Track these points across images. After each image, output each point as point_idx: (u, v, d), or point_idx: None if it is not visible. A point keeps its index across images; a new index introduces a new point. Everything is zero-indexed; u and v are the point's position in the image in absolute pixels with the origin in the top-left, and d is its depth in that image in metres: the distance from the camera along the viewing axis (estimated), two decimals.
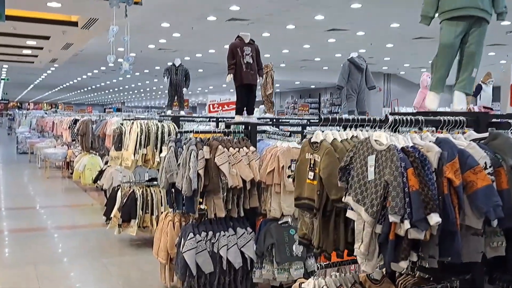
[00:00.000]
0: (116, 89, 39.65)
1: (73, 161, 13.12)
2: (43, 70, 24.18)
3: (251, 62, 4.83)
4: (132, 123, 6.17)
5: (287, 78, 22.55)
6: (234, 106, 6.92)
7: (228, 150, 4.17)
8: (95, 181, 9.00)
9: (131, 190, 6.20)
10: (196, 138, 4.31)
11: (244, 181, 4.14)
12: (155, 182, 6.49)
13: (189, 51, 17.19)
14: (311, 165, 2.58)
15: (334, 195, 2.40)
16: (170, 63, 7.03)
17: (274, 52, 17.24)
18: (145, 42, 15.38)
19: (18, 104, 52.51)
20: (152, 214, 6.14)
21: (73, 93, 45.36)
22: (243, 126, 4.70)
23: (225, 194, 4.14)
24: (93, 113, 21.39)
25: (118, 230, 6.28)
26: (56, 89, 39.59)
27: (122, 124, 6.47)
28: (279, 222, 4.22)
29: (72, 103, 57.95)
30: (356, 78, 5.41)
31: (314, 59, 18.82)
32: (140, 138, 6.02)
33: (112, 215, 6.37)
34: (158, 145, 6.09)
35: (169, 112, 6.95)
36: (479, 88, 8.39)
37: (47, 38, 11.15)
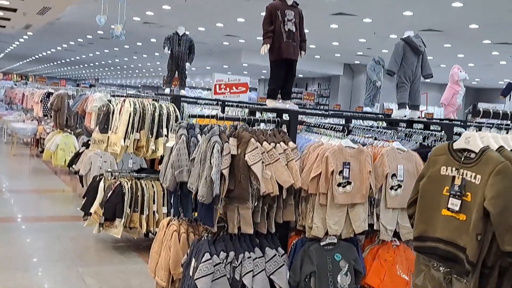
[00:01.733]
0: (91, 64, 37.79)
1: (43, 139, 11.87)
2: (15, 38, 22.43)
3: (294, 30, 3.77)
4: (124, 100, 5.06)
5: None
6: (243, 89, 5.88)
7: (261, 145, 3.14)
8: (69, 164, 7.84)
9: (118, 182, 5.10)
10: (219, 126, 3.27)
11: (280, 187, 3.12)
12: (144, 174, 5.40)
13: (177, 28, 15.93)
14: (457, 188, 1.58)
15: (510, 245, 1.41)
16: (172, 32, 5.88)
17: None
18: (129, 13, 14.03)
19: None
20: (142, 213, 5.06)
21: (45, 65, 43.17)
22: (273, 114, 3.67)
23: (255, 203, 3.11)
24: (69, 87, 19.93)
25: (98, 229, 5.19)
26: (28, 60, 37.49)
27: (110, 101, 5.34)
28: (322, 244, 3.23)
29: (43, 76, 55.38)
30: (411, 63, 4.42)
31: (308, 46, 17.74)
32: (133, 120, 4.93)
33: (92, 211, 5.27)
34: (154, 130, 5.02)
35: (167, 91, 5.86)
36: (509, 87, 7.56)
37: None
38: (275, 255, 3.22)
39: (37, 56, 33.37)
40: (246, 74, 27.63)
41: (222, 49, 20.55)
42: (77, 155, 7.75)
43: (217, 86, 5.69)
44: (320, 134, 3.55)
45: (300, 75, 25.76)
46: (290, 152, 3.20)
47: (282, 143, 3.22)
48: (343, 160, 3.15)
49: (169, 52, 5.76)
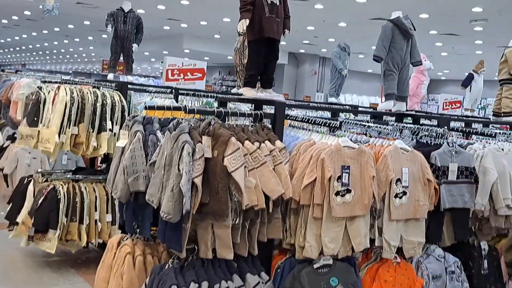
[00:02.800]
0: (17, 49, 35.21)
1: None
2: None
3: (277, 3, 3.11)
4: (58, 88, 4.20)
5: (219, 51, 20.71)
6: (199, 75, 5.18)
7: (243, 145, 2.48)
8: None
9: (51, 186, 4.25)
10: (186, 120, 2.57)
11: (267, 198, 2.49)
12: (83, 176, 4.57)
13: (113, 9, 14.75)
14: None
15: None
16: (116, 8, 4.99)
17: (211, 20, 15.37)
18: None
19: None
20: (81, 222, 4.24)
21: None
22: (250, 106, 3.02)
23: (235, 219, 2.45)
24: None
25: (26, 242, 4.33)
26: None
27: (40, 88, 4.45)
28: (315, 266, 2.63)
29: None
30: (400, 48, 3.87)
31: None
32: (70, 111, 4.10)
33: (19, 220, 4.38)
34: (96, 123, 4.22)
35: (110, 76, 5.01)
36: (470, 78, 7.32)
37: None
38: (259, 283, 2.58)
39: None
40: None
41: (162, 34, 19.48)
42: (1, 151, 6.70)
43: (169, 71, 4.92)
44: (307, 130, 2.93)
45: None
46: (277, 154, 2.56)
47: (267, 142, 2.57)
48: (341, 163, 2.56)
49: (113, 30, 4.91)
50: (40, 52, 36.86)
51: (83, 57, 36.99)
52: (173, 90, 4.85)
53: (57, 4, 4.99)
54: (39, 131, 4.33)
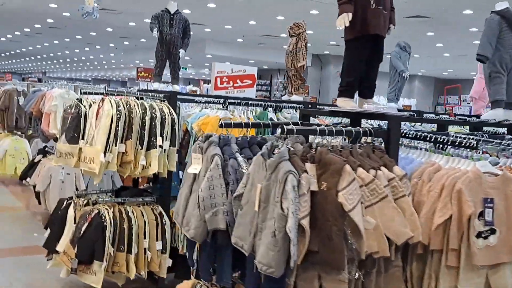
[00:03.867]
0: (38, 57, 35.20)
1: None
2: None
3: None
4: (102, 100, 3.73)
5: (241, 56, 20.22)
6: (249, 82, 4.67)
7: (355, 173, 1.95)
8: (22, 177, 6.37)
9: (95, 211, 3.78)
10: (277, 143, 2.06)
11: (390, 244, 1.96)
12: (130, 198, 4.09)
13: (137, 15, 14.40)
14: None
15: None
16: (161, 10, 4.47)
17: (236, 23, 14.91)
18: None
19: None
20: (129, 252, 3.76)
21: None
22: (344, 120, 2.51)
23: (355, 273, 1.92)
24: (14, 81, 17.90)
25: (66, 272, 3.86)
26: None
27: (80, 100, 3.99)
28: None
29: None
30: (509, 45, 3.29)
31: (280, 35, 16.65)
32: (117, 127, 3.61)
33: (59, 249, 3.92)
34: (145, 140, 3.73)
35: (156, 86, 4.53)
36: None
37: None
38: None
39: None
40: (208, 66, 26.20)
41: None
42: (32, 166, 6.29)
43: (218, 79, 4.43)
44: (419, 149, 2.38)
45: (265, 67, 24.67)
46: (398, 184, 2.03)
47: (383, 168, 2.04)
48: (483, 195, 2.02)
49: (158, 34, 4.42)
50: (61, 60, 36.88)
51: (103, 64, 36.92)
52: (225, 100, 4.34)
53: (97, 7, 4.52)
54: (80, 148, 3.88)
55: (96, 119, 3.72)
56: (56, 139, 6.32)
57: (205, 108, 4.28)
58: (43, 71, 54.72)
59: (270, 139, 2.39)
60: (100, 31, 18.59)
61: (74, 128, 3.94)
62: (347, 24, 2.53)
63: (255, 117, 4.26)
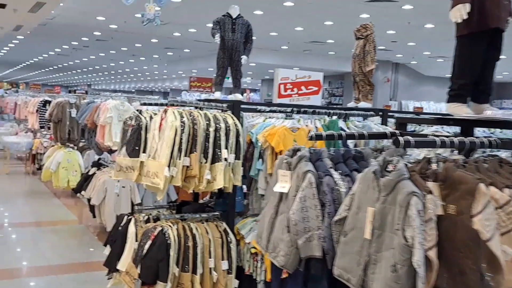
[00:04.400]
0: (85, 70, 36.10)
1: (40, 153, 10.32)
2: (4, 43, 20.81)
3: None
4: (165, 111, 3.52)
5: (285, 63, 19.96)
6: (315, 89, 4.38)
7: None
8: (77, 190, 6.29)
9: (158, 228, 3.56)
10: (390, 158, 1.75)
11: None
12: (192, 215, 3.86)
13: (182, 25, 14.39)
14: None
15: None
16: (222, 14, 4.24)
17: (282, 30, 14.65)
18: (131, 10, 12.49)
19: None
20: (194, 272, 3.52)
21: (36, 72, 41.39)
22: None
23: None
24: (63, 93, 18.26)
25: None
26: (18, 67, 35.75)
27: (140, 111, 3.80)
28: None
29: (37, 83, 53.28)
30: None
31: (326, 41, 16.31)
32: (181, 139, 3.40)
33: (120, 268, 3.73)
34: (210, 152, 3.49)
35: (218, 95, 4.31)
36: None
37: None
38: None
39: (28, 63, 31.65)
40: (250, 74, 26.13)
41: None
42: (86, 178, 6.19)
43: (282, 86, 4.16)
44: None
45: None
46: None
47: None
48: None
49: (220, 40, 4.20)
50: (106, 72, 37.71)
51: (146, 75, 37.51)
52: (292, 109, 4.06)
53: (159, 13, 4.34)
54: (141, 162, 3.69)
55: (159, 131, 3.52)
56: (110, 151, 6.23)
57: (270, 117, 4.02)
58: (88, 83, 56.26)
59: (367, 152, 2.10)
60: (145, 42, 18.76)
61: (135, 141, 3.76)
62: (465, 17, 2.20)
63: (324, 127, 3.96)
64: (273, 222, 2.09)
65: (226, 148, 3.53)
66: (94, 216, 6.11)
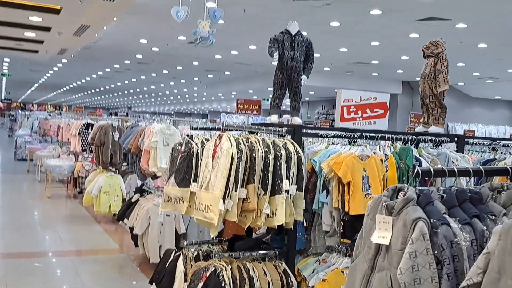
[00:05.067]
0: (125, 92, 36.75)
1: (82, 177, 10.19)
2: (49, 66, 21.30)
3: None
4: (219, 137, 3.16)
5: (327, 84, 19.56)
6: (381, 111, 3.95)
7: None
8: (120, 218, 6.00)
9: (210, 268, 3.17)
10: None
11: None
12: (247, 253, 3.46)
13: (224, 46, 14.22)
14: None
15: None
16: (280, 32, 3.89)
17: (326, 51, 14.28)
18: (175, 31, 12.44)
19: (21, 104, 49.61)
20: None
21: (78, 95, 42.50)
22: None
23: None
24: (104, 116, 18.41)
25: None
26: (61, 90, 36.73)
27: (191, 137, 3.47)
28: None
29: (79, 105, 54.67)
30: None
31: (370, 62, 15.83)
32: (237, 168, 3.02)
33: None
34: (269, 183, 3.10)
35: (275, 119, 3.95)
36: None
37: (57, 12, 8.20)
38: None
39: (71, 86, 32.46)
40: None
41: (269, 69, 18.74)
42: (129, 206, 5.90)
43: (345, 108, 3.76)
44: None
45: None
46: None
47: None
48: None
49: (277, 59, 3.84)
50: (146, 95, 38.25)
51: (186, 97, 37.80)
52: (361, 134, 3.64)
53: (213, 31, 4.04)
54: (192, 192, 3.34)
55: (213, 159, 3.16)
56: (154, 177, 5.93)
57: (333, 143, 3.61)
58: (129, 105, 57.32)
59: (485, 192, 1.65)
60: (186, 65, 18.78)
61: (185, 169, 3.43)
62: None
63: (395, 155, 3.52)
64: (369, 279, 1.67)
65: (287, 178, 3.13)
66: (137, 245, 5.80)
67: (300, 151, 3.23)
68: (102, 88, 33.77)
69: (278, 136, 3.45)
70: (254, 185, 3.06)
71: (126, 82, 27.72)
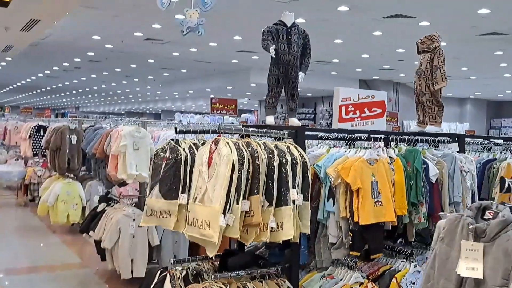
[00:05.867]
0: (73, 92, 35.20)
1: (33, 183, 9.45)
2: None
3: None
4: (215, 142, 2.77)
5: None
6: (379, 111, 3.68)
7: None
8: (84, 230, 5.45)
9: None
10: None
11: None
12: (247, 271, 3.08)
13: (183, 44, 13.69)
14: None
15: None
16: (273, 23, 3.47)
17: None
18: (132, 27, 11.81)
19: None
20: None
21: (22, 95, 40.39)
22: None
23: None
24: (53, 118, 17.41)
25: None
26: (5, 90, 34.76)
27: (177, 142, 3.04)
28: None
29: (20, 107, 51.94)
30: None
31: (331, 61, 15.73)
32: (239, 178, 2.64)
33: None
34: (274, 193, 2.74)
35: (270, 120, 3.55)
36: None
37: (5, 4, 7.46)
38: None
39: (14, 85, 30.73)
40: (249, 95, 25.48)
41: (228, 68, 18.35)
42: (94, 217, 5.37)
43: (343, 108, 3.45)
44: None
45: (309, 94, 23.77)
46: None
47: None
48: None
49: (275, 53, 3.43)
50: (96, 94, 36.85)
51: (138, 97, 36.70)
52: (369, 135, 3.34)
53: (202, 20, 3.61)
54: (181, 205, 2.93)
55: (209, 167, 2.75)
56: (122, 184, 5.43)
57: (334, 146, 3.29)
58: (76, 106, 55.12)
59: None
60: (141, 63, 18.07)
61: (172, 178, 3.01)
62: None
63: (400, 156, 3.24)
64: None
65: (294, 187, 2.78)
66: (104, 259, 5.27)
67: (305, 156, 2.89)
68: (48, 88, 32.18)
69: (275, 139, 3.10)
70: (258, 196, 2.69)
71: (75, 81, 26.51)
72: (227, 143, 2.72)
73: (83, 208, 7.05)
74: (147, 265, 4.99)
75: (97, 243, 5.19)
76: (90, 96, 38.93)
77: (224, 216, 2.61)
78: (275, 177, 2.73)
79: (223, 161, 2.65)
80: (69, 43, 14.27)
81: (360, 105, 3.57)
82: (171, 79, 22.94)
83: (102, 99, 42.46)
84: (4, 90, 34.74)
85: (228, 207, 2.63)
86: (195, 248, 5.24)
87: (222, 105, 8.67)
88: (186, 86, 23.31)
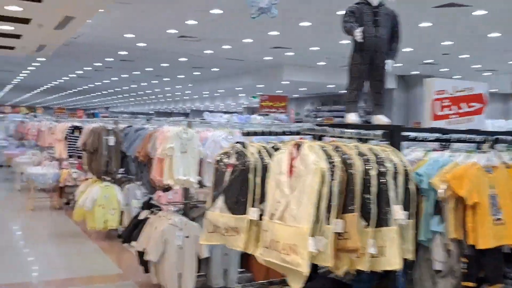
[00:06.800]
0: (104, 92, 35.25)
1: (68, 186, 9.15)
2: (24, 66, 19.93)
3: None
4: (297, 145, 2.25)
5: (320, 80, 18.69)
6: (478, 106, 3.09)
7: None
8: (125, 240, 5.01)
9: None
10: None
11: None
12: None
13: (216, 41, 13.24)
14: None
15: None
16: (356, 3, 2.94)
17: (325, 44, 13.44)
18: (166, 23, 11.40)
19: None
20: None
21: (53, 96, 40.71)
22: None
23: None
24: (84, 118, 17.24)
25: None
26: (37, 91, 35.06)
27: (243, 145, 2.54)
28: None
29: (51, 108, 52.45)
30: None
31: None
32: (330, 191, 2.11)
33: None
34: (372, 210, 2.20)
35: (352, 118, 3.01)
36: None
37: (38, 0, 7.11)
38: None
39: (46, 86, 30.90)
40: (281, 93, 24.90)
41: (261, 65, 17.81)
42: (136, 225, 4.93)
43: (437, 103, 2.89)
44: None
45: (341, 91, 23.02)
46: None
47: None
48: None
49: (360, 36, 2.86)
50: (126, 94, 36.85)
51: (167, 96, 36.55)
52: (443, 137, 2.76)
53: (276, 2, 3.10)
54: (252, 221, 2.42)
55: (290, 176, 2.24)
56: (166, 189, 4.97)
57: (434, 150, 2.72)
58: (106, 106, 55.49)
59: None
60: (173, 62, 17.72)
61: (239, 189, 2.50)
62: None
63: None
64: None
65: (397, 202, 2.24)
66: (147, 271, 4.82)
67: (408, 163, 2.34)
68: (80, 89, 32.27)
69: (359, 141, 2.56)
70: (355, 214, 2.16)
71: (106, 81, 26.43)
72: (314, 148, 2.20)
73: (122, 213, 6.66)
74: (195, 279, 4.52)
75: (140, 254, 4.74)
76: (120, 96, 38.96)
77: (313, 234, 2.09)
78: (373, 190, 2.20)
79: (310, 170, 2.13)
80: (101, 42, 14.00)
81: (457, 99, 3.00)
82: (201, 78, 22.58)
83: (132, 99, 42.50)
84: (36, 91, 35.04)
85: (318, 227, 2.11)
86: (246, 261, 4.76)
87: (272, 103, 8.10)
88: (216, 85, 22.91)
